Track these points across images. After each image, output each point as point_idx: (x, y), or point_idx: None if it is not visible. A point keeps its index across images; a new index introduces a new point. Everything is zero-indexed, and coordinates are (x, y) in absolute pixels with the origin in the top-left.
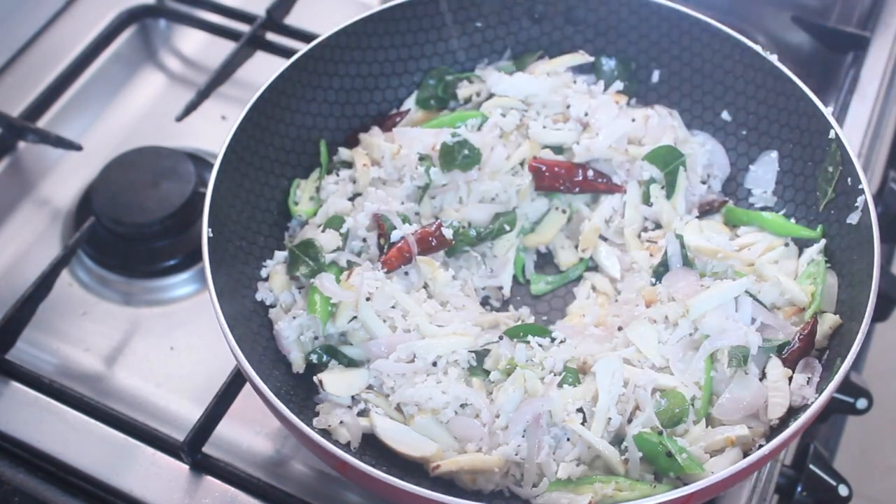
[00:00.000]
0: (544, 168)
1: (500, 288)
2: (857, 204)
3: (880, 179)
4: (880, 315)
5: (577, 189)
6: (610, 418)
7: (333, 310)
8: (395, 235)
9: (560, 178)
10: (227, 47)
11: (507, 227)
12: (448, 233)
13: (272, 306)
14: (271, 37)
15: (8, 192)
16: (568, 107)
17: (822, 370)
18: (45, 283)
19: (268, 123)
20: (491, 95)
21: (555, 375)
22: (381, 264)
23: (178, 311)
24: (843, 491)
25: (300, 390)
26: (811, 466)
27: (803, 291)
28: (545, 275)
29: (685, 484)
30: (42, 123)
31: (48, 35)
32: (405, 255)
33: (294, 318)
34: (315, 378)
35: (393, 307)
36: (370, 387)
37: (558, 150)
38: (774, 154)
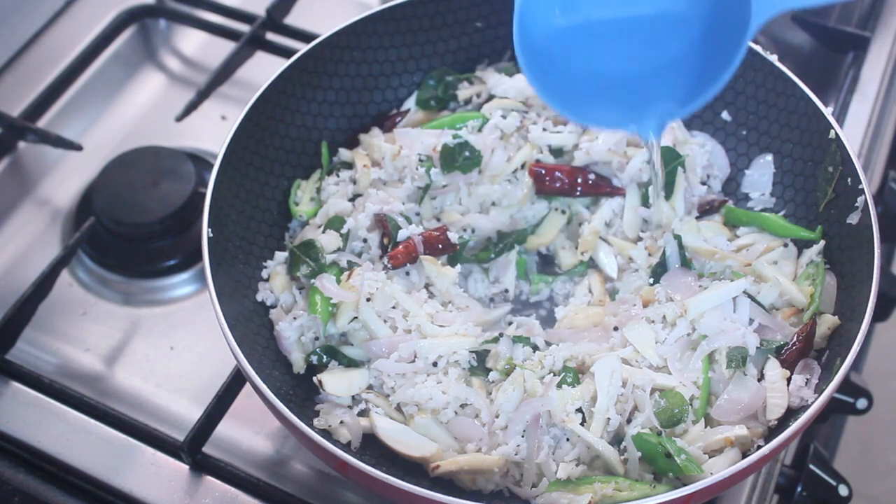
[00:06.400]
0: (544, 172)
1: (505, 290)
2: (857, 204)
3: (880, 179)
4: (880, 315)
5: (578, 193)
6: (609, 418)
7: (334, 310)
8: (401, 235)
9: (561, 182)
10: (227, 47)
11: (516, 245)
12: (453, 237)
13: (273, 307)
14: (271, 37)
15: (8, 192)
16: None
17: (822, 371)
18: (45, 283)
19: (268, 123)
20: (491, 97)
21: (554, 375)
22: (387, 258)
23: (178, 311)
24: (843, 491)
25: (300, 390)
26: (811, 466)
27: (802, 292)
28: (546, 275)
29: (684, 484)
30: (42, 123)
31: (48, 35)
32: (411, 253)
33: (295, 318)
34: (315, 378)
35: (394, 307)
36: (370, 387)
37: (558, 152)
38: (769, 157)
